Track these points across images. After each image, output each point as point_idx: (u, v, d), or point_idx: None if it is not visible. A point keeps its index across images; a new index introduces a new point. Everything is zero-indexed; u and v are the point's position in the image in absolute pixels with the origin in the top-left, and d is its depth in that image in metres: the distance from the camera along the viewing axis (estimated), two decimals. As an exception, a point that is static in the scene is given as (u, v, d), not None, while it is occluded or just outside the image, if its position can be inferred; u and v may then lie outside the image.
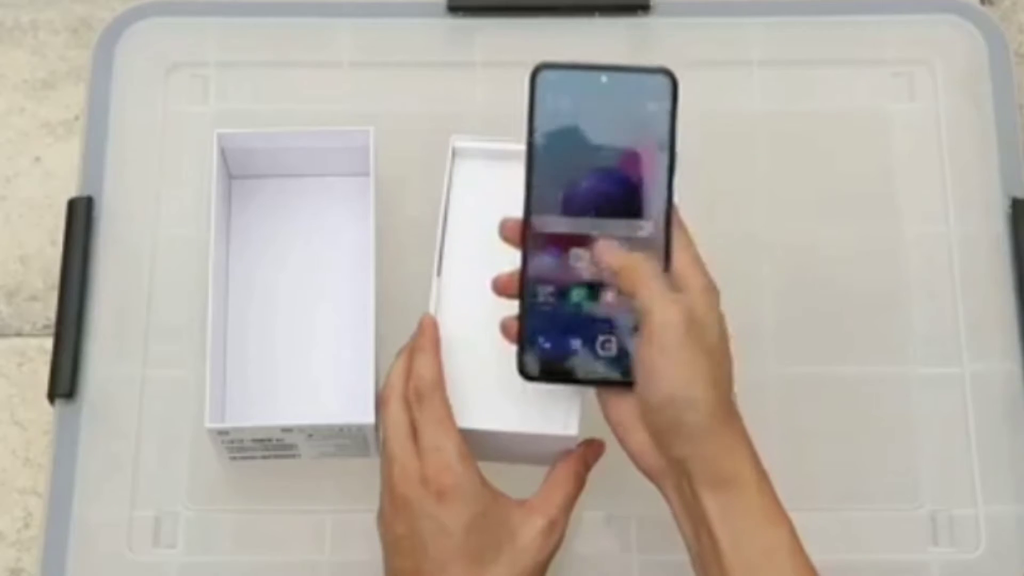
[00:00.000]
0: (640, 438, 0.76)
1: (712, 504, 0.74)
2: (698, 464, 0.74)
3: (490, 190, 0.84)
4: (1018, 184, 0.98)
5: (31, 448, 0.98)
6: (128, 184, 0.98)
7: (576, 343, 0.77)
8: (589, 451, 0.82)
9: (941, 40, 1.02)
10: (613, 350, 0.76)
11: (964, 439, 0.92)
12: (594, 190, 0.76)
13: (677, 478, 0.75)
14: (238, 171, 0.96)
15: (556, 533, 0.79)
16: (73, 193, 0.97)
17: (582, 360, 0.77)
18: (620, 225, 0.76)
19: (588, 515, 0.88)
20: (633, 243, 0.76)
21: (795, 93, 1.00)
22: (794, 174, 0.98)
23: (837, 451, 0.91)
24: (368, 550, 0.82)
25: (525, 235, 0.77)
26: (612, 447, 0.83)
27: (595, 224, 0.76)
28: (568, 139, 0.77)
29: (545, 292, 0.77)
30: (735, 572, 0.73)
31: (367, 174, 0.92)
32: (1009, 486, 0.91)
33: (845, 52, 1.02)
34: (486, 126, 0.87)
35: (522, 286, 0.77)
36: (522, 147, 0.80)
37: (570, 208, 0.77)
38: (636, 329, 0.75)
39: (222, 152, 0.93)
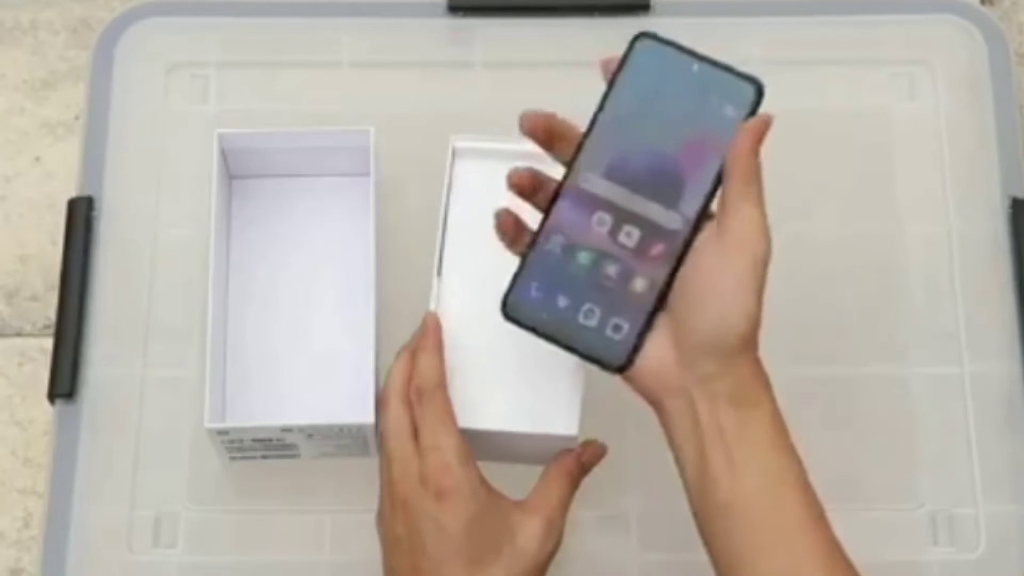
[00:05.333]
0: (659, 355, 0.75)
1: (731, 421, 0.73)
2: (726, 381, 0.73)
3: (490, 190, 0.84)
4: (1018, 184, 0.98)
5: (31, 448, 0.98)
6: (128, 184, 0.98)
7: (563, 301, 0.76)
8: (586, 451, 0.82)
9: (941, 40, 1.02)
10: (594, 322, 0.76)
11: (964, 439, 0.92)
12: (644, 167, 0.76)
13: (691, 397, 0.74)
14: (238, 171, 0.96)
15: (554, 533, 0.79)
16: (73, 193, 0.97)
17: (561, 320, 0.76)
18: (653, 208, 0.75)
19: (587, 514, 0.88)
20: (656, 231, 0.75)
21: (795, 93, 1.00)
22: (794, 174, 0.98)
23: (837, 451, 0.91)
24: (368, 550, 0.82)
25: (564, 180, 0.76)
26: (612, 446, 0.83)
27: (630, 199, 0.76)
28: (640, 110, 0.76)
29: (557, 241, 0.76)
30: (743, 491, 0.73)
31: (367, 174, 0.92)
32: (1009, 486, 0.91)
33: (845, 52, 1.02)
34: (486, 126, 0.87)
35: (540, 226, 0.77)
36: (522, 147, 0.80)
37: (614, 174, 0.76)
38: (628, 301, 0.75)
39: (222, 152, 0.93)
